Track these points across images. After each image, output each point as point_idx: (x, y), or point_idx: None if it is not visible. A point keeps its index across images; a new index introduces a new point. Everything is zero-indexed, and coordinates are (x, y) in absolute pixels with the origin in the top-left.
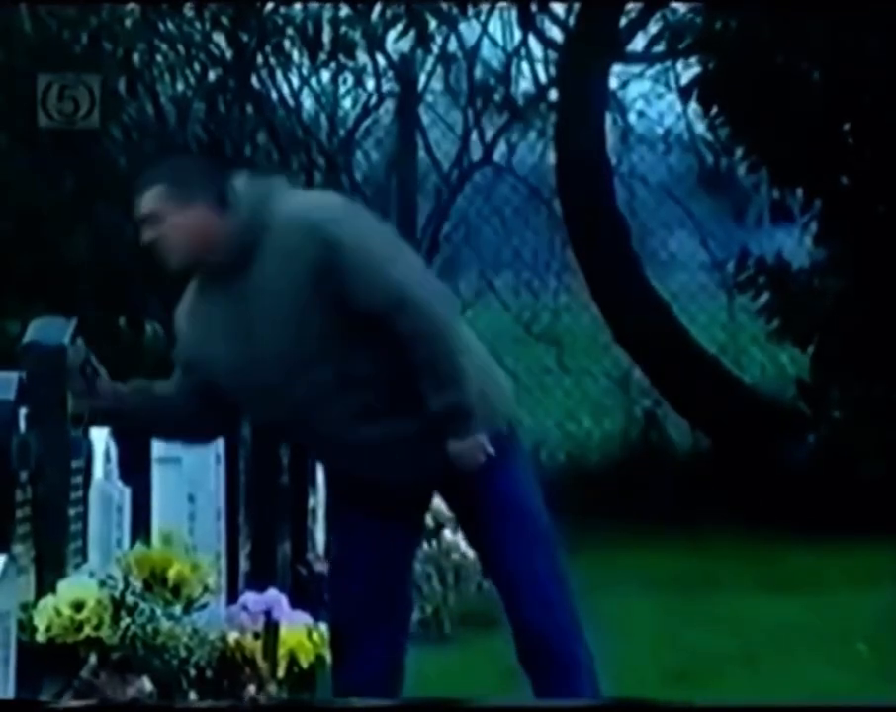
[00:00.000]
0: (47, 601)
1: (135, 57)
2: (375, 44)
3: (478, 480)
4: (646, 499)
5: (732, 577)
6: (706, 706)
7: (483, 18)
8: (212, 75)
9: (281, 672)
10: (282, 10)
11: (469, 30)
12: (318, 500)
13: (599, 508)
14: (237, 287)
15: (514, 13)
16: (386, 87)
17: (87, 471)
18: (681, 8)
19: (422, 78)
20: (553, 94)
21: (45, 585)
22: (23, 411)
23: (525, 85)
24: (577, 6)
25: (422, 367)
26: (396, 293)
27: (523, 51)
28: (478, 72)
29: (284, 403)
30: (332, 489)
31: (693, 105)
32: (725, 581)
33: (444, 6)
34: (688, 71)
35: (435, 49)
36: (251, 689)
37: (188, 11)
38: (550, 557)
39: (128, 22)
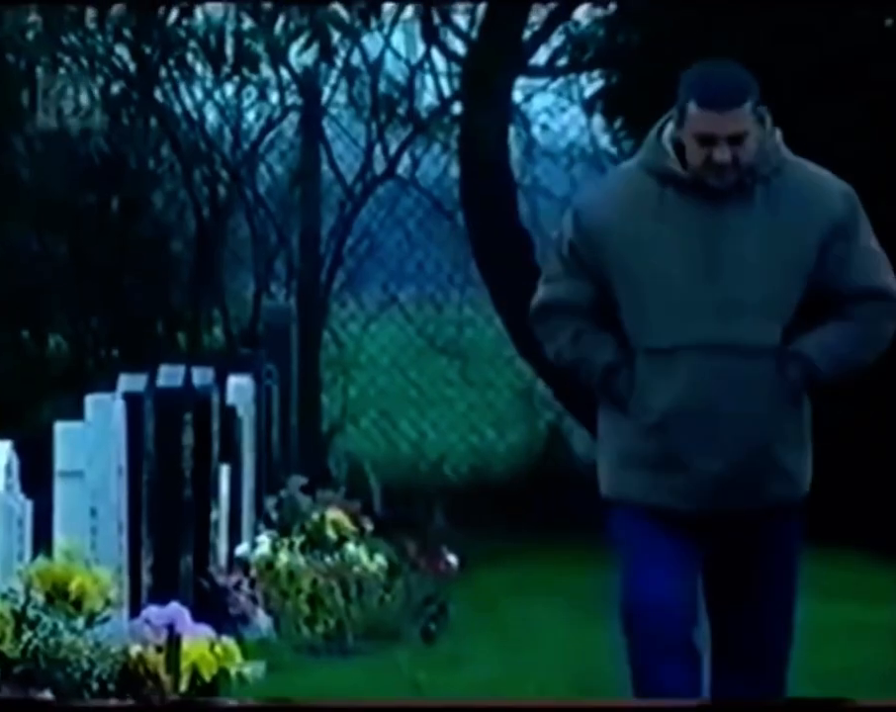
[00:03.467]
0: None
1: (38, 70)
2: (278, 57)
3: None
4: (550, 511)
5: None
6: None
7: (386, 31)
8: (115, 88)
9: (183, 686)
10: (185, 22)
11: (372, 43)
12: (221, 513)
13: (504, 520)
14: (725, 207)
15: (417, 26)
16: (289, 100)
17: None
18: (584, 21)
19: (326, 91)
20: (456, 107)
21: None
22: None
23: (429, 98)
24: (480, 19)
25: (859, 350)
26: (886, 286)
27: (427, 65)
28: (381, 85)
29: (712, 331)
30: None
31: (597, 118)
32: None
33: (346, 18)
34: (592, 84)
35: (339, 62)
36: (154, 702)
37: (90, 23)
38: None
39: (30, 34)
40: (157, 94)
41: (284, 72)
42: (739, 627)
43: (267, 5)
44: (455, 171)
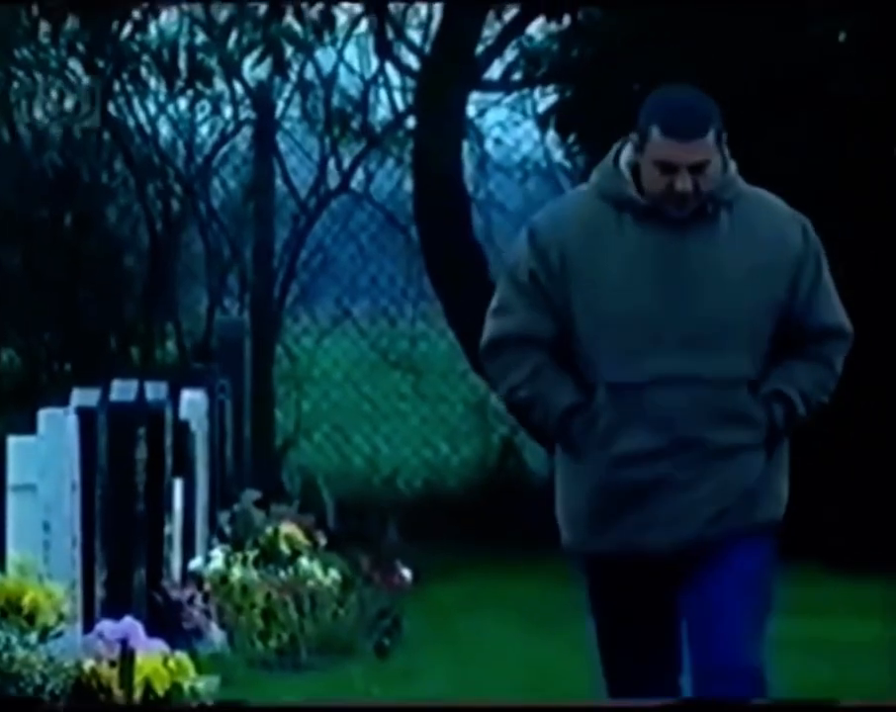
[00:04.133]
0: None
1: None
2: (232, 71)
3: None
4: (503, 525)
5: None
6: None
7: (339, 45)
8: (68, 102)
9: (137, 700)
10: (138, 36)
11: (326, 57)
12: (175, 527)
13: (457, 534)
14: (688, 234)
15: (371, 41)
16: (243, 114)
17: None
18: (538, 36)
19: (279, 105)
20: (410, 121)
21: None
22: None
23: (382, 112)
24: (433, 34)
25: (827, 391)
26: (843, 324)
27: (380, 79)
28: (335, 100)
29: (678, 364)
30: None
31: (551, 132)
32: (583, 607)
33: (300, 33)
34: (545, 99)
35: (292, 77)
36: None
37: (44, 38)
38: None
39: None
40: (111, 108)
41: (237, 86)
42: (712, 643)
43: (222, 19)
44: (409, 185)
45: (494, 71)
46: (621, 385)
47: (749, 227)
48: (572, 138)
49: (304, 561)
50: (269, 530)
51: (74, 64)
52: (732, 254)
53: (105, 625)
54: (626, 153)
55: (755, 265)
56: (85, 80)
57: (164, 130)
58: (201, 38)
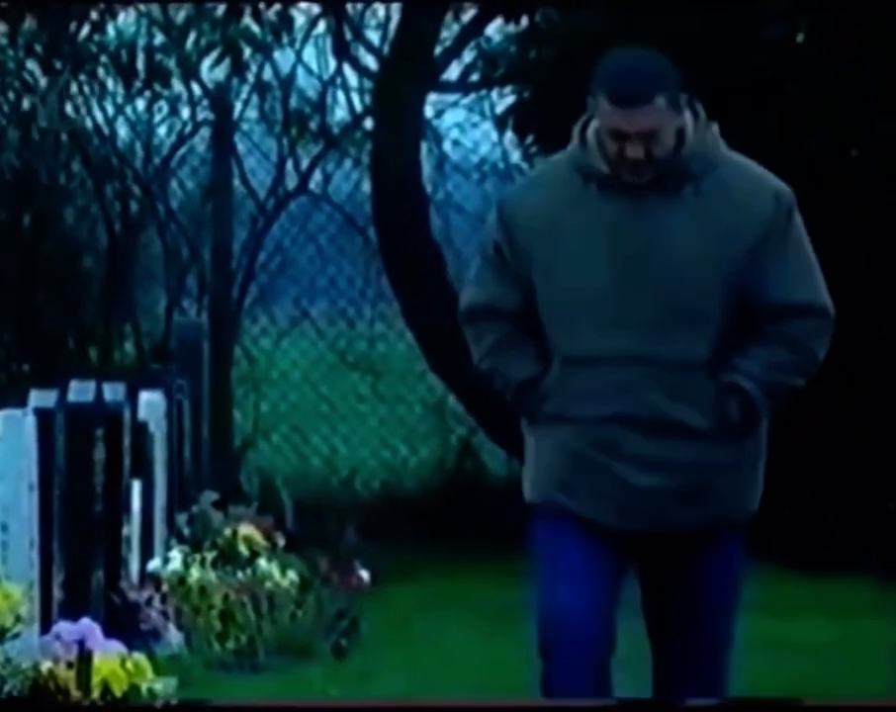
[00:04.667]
0: None
1: None
2: (190, 72)
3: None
4: (461, 526)
5: None
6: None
7: (297, 46)
8: (26, 103)
9: (95, 701)
10: (96, 37)
11: (284, 58)
12: (133, 529)
13: (415, 535)
14: (648, 207)
15: (329, 42)
16: (201, 115)
17: None
18: (496, 37)
19: (237, 106)
20: (368, 122)
21: None
22: None
23: (340, 113)
24: (391, 35)
25: (794, 376)
26: (814, 301)
27: (338, 80)
28: (293, 101)
29: (631, 342)
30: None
31: (509, 134)
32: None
33: (258, 34)
34: (503, 100)
35: (250, 78)
36: None
37: (1, 39)
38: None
39: None
40: (68, 109)
41: (195, 87)
42: (677, 648)
43: (180, 20)
44: (367, 186)
45: (453, 72)
46: (574, 359)
47: (717, 200)
48: (530, 139)
49: (262, 562)
50: (227, 531)
51: (32, 65)
52: (691, 229)
53: (62, 626)
54: (594, 121)
55: (716, 238)
56: (43, 81)
57: (122, 131)
58: (159, 39)
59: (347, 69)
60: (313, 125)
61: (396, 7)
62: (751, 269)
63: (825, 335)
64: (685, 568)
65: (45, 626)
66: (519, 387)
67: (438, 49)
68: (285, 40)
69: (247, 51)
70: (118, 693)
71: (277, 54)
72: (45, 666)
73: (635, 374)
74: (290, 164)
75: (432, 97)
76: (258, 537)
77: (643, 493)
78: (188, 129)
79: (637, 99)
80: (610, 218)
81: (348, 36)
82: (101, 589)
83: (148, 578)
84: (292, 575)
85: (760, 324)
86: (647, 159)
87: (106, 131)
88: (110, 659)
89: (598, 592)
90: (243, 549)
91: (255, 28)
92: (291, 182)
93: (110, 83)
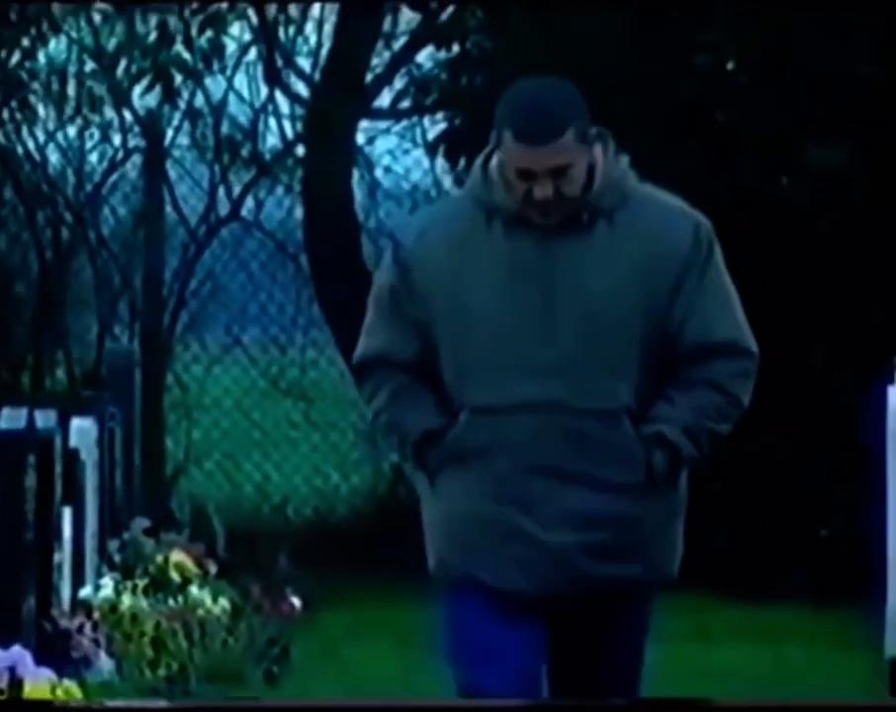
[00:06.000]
0: None
1: None
2: (121, 99)
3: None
4: (393, 553)
5: None
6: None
7: (229, 73)
8: None
9: None
10: (27, 64)
11: (215, 85)
12: (64, 556)
13: (346, 562)
14: (558, 246)
15: (260, 68)
16: (132, 142)
17: None
18: (427, 64)
19: (169, 133)
20: (300, 149)
21: None
22: None
23: (272, 140)
24: (323, 62)
25: (720, 421)
26: (737, 341)
27: (270, 107)
28: (224, 127)
29: (543, 389)
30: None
31: (440, 160)
32: None
33: (189, 61)
34: (435, 127)
35: (182, 104)
36: None
37: None
38: None
39: None
40: None
41: (127, 114)
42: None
43: (111, 47)
44: (299, 213)
45: (384, 99)
46: (482, 409)
47: (632, 235)
48: (461, 166)
49: (193, 589)
50: (159, 558)
51: None
52: (604, 267)
53: None
54: (497, 155)
55: (632, 277)
56: None
57: (54, 157)
58: (90, 65)
59: (279, 96)
60: (244, 151)
61: (327, 34)
62: (669, 307)
63: (749, 376)
64: (596, 623)
65: None
66: (419, 440)
67: (370, 76)
68: (216, 66)
69: (178, 78)
70: None
71: (208, 81)
72: None
73: (547, 423)
74: (221, 191)
75: (364, 124)
76: (190, 564)
77: (555, 551)
78: (119, 155)
79: (545, 136)
80: (518, 257)
81: (279, 62)
82: (32, 617)
83: (80, 606)
84: (223, 602)
85: (680, 367)
86: (556, 199)
87: (37, 157)
88: (40, 686)
89: (523, 670)
90: (175, 576)
91: (186, 55)
92: (222, 209)
93: (41, 110)
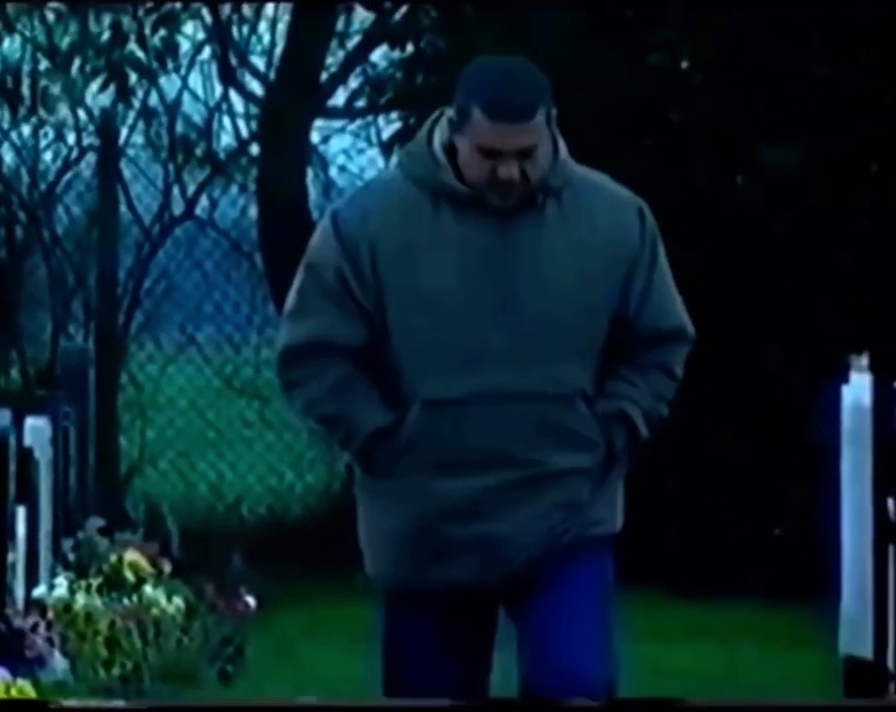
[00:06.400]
0: None
1: None
2: (75, 99)
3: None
4: (347, 552)
5: None
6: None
7: (183, 72)
8: None
9: None
10: None
11: (169, 84)
12: (18, 555)
13: (301, 561)
14: (512, 229)
15: (215, 67)
16: (86, 141)
17: None
18: (382, 63)
19: (123, 132)
20: (254, 148)
21: None
22: None
23: (226, 139)
24: (277, 61)
25: (666, 402)
26: (683, 325)
27: (224, 106)
28: (179, 126)
29: (499, 378)
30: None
31: (395, 159)
32: None
33: (143, 59)
34: (390, 126)
35: (136, 103)
36: None
37: None
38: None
39: None
40: None
41: (81, 113)
42: (549, 652)
43: (65, 46)
44: (253, 212)
45: (339, 98)
46: (438, 401)
47: (580, 217)
48: None
49: (148, 588)
50: (113, 558)
51: None
52: (560, 250)
53: None
54: (440, 133)
55: (586, 260)
56: None
57: (7, 156)
58: (44, 64)
59: (233, 95)
60: (199, 150)
61: (281, 33)
62: (623, 293)
63: (684, 357)
64: (553, 590)
65: None
66: (372, 435)
67: (324, 75)
68: (170, 65)
69: (133, 77)
70: None
71: (163, 80)
72: None
73: (507, 412)
74: (176, 190)
75: (318, 123)
76: (144, 563)
77: (515, 544)
78: (73, 154)
79: (517, 115)
80: (473, 241)
81: (234, 62)
82: None
83: (34, 605)
84: (178, 601)
85: (636, 351)
86: (521, 180)
87: None
88: None
89: (471, 668)
90: (129, 575)
91: (140, 54)
92: (177, 208)
93: None
